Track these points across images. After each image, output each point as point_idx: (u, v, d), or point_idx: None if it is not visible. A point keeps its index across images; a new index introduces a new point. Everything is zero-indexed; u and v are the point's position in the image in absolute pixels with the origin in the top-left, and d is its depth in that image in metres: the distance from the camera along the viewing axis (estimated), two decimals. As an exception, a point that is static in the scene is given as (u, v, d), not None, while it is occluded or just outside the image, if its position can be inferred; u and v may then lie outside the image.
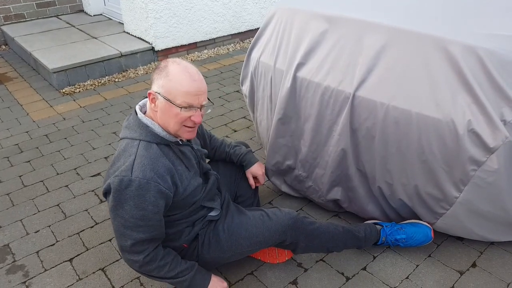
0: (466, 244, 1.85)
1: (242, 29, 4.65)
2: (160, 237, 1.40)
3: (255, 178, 1.90)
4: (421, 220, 1.74)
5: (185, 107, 1.30)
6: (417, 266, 1.75)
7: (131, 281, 1.73)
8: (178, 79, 1.28)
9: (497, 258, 1.78)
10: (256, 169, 1.87)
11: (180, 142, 1.44)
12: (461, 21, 1.53)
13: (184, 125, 1.35)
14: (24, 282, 1.74)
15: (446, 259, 1.78)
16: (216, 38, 4.49)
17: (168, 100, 1.30)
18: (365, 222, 1.85)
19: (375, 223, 1.82)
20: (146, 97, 1.45)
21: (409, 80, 1.48)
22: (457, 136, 1.40)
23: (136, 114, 1.39)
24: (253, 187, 1.90)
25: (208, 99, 1.41)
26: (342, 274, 1.73)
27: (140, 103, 1.45)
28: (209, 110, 1.39)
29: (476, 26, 1.48)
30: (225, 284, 1.55)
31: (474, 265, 1.75)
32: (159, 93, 1.30)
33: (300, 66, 1.76)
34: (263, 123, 2.15)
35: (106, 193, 1.35)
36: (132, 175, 1.27)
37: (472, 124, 1.37)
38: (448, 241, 1.87)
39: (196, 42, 4.33)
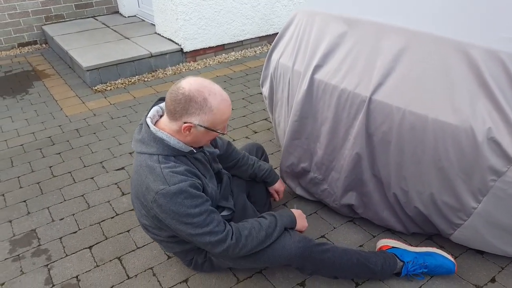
0: (486, 258, 1.79)
1: (270, 32, 4.68)
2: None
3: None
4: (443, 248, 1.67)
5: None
6: (431, 277, 1.70)
7: (145, 271, 1.78)
8: (222, 111, 1.33)
9: (518, 274, 1.71)
10: (279, 186, 1.95)
11: (195, 151, 1.45)
12: (483, 24, 1.48)
13: None
14: (47, 265, 1.83)
15: (463, 272, 1.72)
16: (244, 40, 4.54)
17: (211, 129, 1.35)
18: (385, 251, 1.70)
19: (395, 254, 1.68)
20: (154, 105, 1.47)
21: (427, 84, 1.45)
22: (476, 144, 1.36)
23: (148, 127, 1.38)
24: (277, 200, 1.98)
25: None
26: (352, 280, 1.71)
27: (150, 114, 1.43)
28: None
29: (498, 29, 1.43)
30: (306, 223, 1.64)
31: (493, 280, 1.68)
32: (201, 125, 1.32)
33: (317, 68, 1.76)
34: (281, 125, 2.16)
35: (151, 210, 1.39)
36: (169, 185, 1.31)
37: (493, 132, 1.32)
38: (467, 253, 1.81)
39: (224, 44, 4.40)
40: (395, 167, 1.62)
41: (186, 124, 1.31)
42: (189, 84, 1.30)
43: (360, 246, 1.87)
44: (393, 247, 1.71)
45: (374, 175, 1.73)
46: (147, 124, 1.39)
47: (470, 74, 1.38)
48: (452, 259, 1.65)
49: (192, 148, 1.43)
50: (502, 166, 1.35)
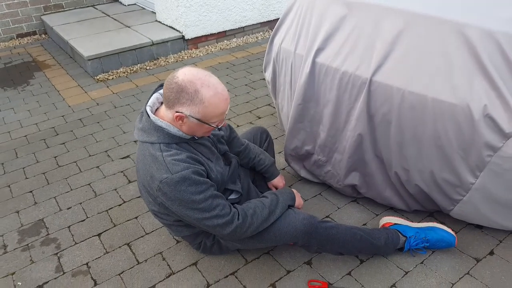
0: (485, 233, 1.83)
1: (272, 17, 4.66)
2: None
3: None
4: (444, 224, 1.72)
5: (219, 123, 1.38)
6: (433, 252, 1.75)
7: (154, 255, 1.83)
8: (214, 104, 1.30)
9: (517, 248, 1.75)
10: (278, 182, 1.91)
11: (196, 137, 1.47)
12: (480, 5, 1.49)
13: None
14: (56, 253, 1.88)
15: (463, 246, 1.77)
16: (245, 26, 4.52)
17: (204, 122, 1.34)
18: (388, 227, 1.75)
19: (398, 230, 1.73)
20: (155, 92, 1.47)
21: (425, 65, 1.47)
22: (472, 121, 1.39)
23: (148, 115, 1.39)
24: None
25: None
26: (357, 257, 1.76)
27: (150, 102, 1.43)
28: None
29: (494, 10, 1.44)
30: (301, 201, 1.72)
31: (491, 253, 1.73)
32: (193, 117, 1.32)
33: (319, 51, 1.77)
34: (284, 109, 2.18)
35: (157, 198, 1.42)
36: (172, 173, 1.32)
37: (488, 109, 1.35)
38: (466, 228, 1.86)
39: (225, 31, 4.39)
40: (396, 146, 1.65)
41: (177, 114, 1.32)
42: (184, 74, 1.29)
43: (364, 224, 1.92)
44: (395, 223, 1.76)
45: (376, 155, 1.76)
46: (147, 113, 1.40)
47: (467, 54, 1.39)
48: (452, 232, 1.70)
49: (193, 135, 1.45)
50: (498, 141, 1.38)
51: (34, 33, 4.93)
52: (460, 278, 1.63)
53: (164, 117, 1.39)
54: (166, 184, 1.33)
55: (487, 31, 1.35)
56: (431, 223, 1.75)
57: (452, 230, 1.82)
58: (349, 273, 1.69)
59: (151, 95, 1.47)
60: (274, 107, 3.05)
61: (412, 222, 1.85)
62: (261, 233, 1.53)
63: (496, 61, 1.34)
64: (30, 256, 1.87)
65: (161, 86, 1.51)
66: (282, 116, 2.28)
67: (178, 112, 1.32)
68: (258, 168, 1.88)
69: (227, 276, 1.71)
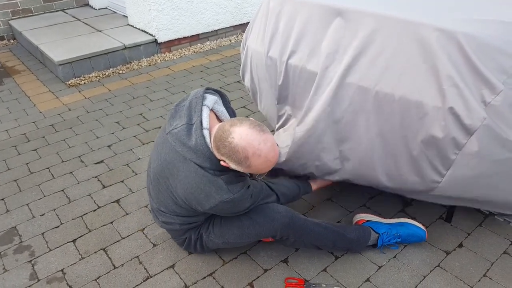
0: (454, 226, 1.91)
1: (244, 21, 4.70)
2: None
3: None
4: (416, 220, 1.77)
5: None
6: (405, 246, 1.81)
7: (131, 260, 1.82)
8: (259, 168, 1.39)
9: (484, 239, 1.83)
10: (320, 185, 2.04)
11: None
12: (442, 7, 1.57)
13: None
14: (30, 261, 1.84)
15: (433, 239, 1.84)
16: (218, 29, 4.54)
17: (245, 174, 1.51)
18: (361, 224, 1.81)
19: (370, 227, 1.78)
20: (200, 97, 1.51)
21: (393, 65, 1.52)
22: (438, 118, 1.44)
23: (205, 142, 1.41)
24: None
25: None
26: (332, 253, 1.80)
27: (205, 123, 1.44)
28: None
29: (456, 11, 1.51)
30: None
31: (460, 245, 1.81)
32: (236, 170, 1.43)
33: (292, 54, 1.81)
34: (269, 114, 2.19)
35: (199, 210, 1.52)
36: (233, 194, 1.43)
37: (452, 107, 1.41)
38: (436, 222, 1.93)
39: (198, 34, 4.39)
40: (364, 146, 1.69)
41: (223, 162, 1.40)
42: (240, 137, 1.32)
43: (338, 221, 1.97)
44: (368, 220, 1.81)
45: (344, 156, 1.80)
46: (204, 139, 1.42)
47: (429, 54, 1.45)
48: (422, 227, 1.77)
49: None
50: (462, 138, 1.43)
51: (2, 38, 4.79)
52: (431, 271, 1.70)
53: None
54: (226, 202, 1.44)
55: (448, 31, 1.41)
56: (402, 218, 1.81)
57: (423, 225, 1.89)
58: (324, 270, 1.73)
59: (196, 102, 1.50)
60: (249, 109, 3.08)
61: (384, 218, 1.91)
62: (241, 227, 1.58)
63: (457, 60, 1.39)
64: (3, 264, 1.82)
65: (208, 89, 1.58)
66: (269, 121, 2.28)
67: (225, 162, 1.40)
68: None
69: (204, 278, 1.72)
